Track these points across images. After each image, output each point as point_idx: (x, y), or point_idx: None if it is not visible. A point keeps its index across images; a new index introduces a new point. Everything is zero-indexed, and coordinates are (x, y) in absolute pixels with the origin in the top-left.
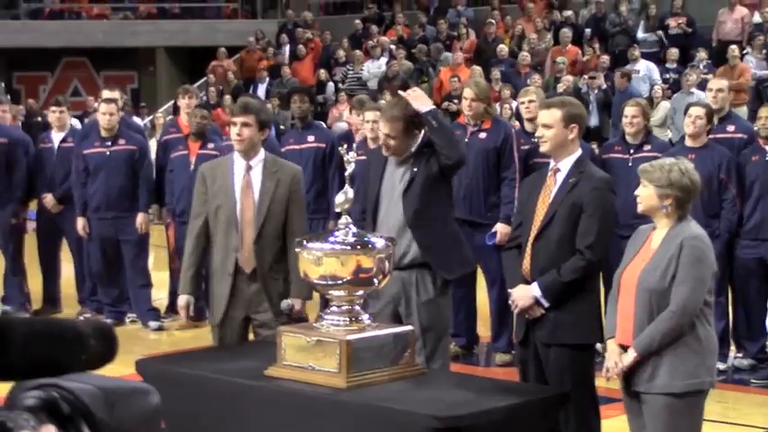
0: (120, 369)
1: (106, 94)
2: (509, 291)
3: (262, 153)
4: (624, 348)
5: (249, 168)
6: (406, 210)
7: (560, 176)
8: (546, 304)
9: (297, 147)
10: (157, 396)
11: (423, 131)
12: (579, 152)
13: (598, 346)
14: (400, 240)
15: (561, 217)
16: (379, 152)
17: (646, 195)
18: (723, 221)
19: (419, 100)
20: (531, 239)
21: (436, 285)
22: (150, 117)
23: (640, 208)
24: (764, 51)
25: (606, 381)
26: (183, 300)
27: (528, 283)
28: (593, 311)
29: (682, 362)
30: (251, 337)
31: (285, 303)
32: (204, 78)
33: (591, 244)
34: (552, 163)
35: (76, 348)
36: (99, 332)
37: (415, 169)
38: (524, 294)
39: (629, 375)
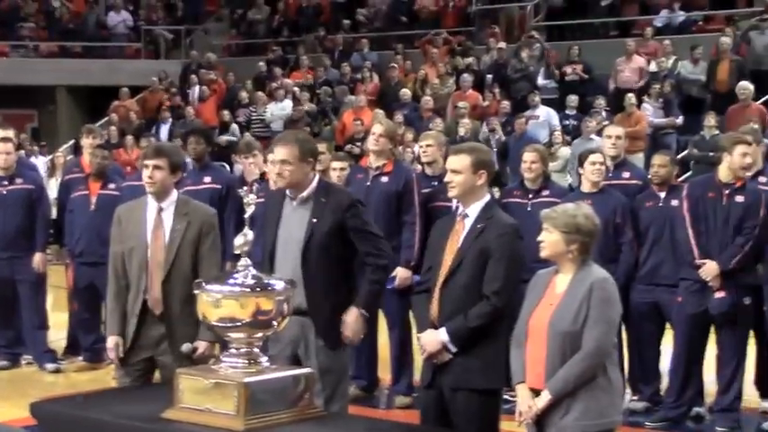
0: (16, 412)
1: (1, 133)
2: (417, 335)
3: (174, 195)
4: (536, 392)
5: (161, 210)
6: (303, 261)
7: (468, 222)
8: (453, 349)
9: (193, 187)
10: None
11: (317, 175)
12: (487, 198)
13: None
14: (298, 286)
15: (468, 262)
16: (276, 194)
17: (551, 241)
18: (621, 265)
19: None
20: (439, 285)
21: (329, 343)
22: (50, 156)
23: (545, 253)
24: (660, 100)
25: (518, 425)
26: (111, 341)
27: (436, 327)
28: (500, 356)
29: (595, 402)
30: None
31: (186, 346)
32: (106, 118)
33: (497, 290)
34: (461, 208)
35: None
36: None
37: (315, 220)
38: (432, 339)
39: (540, 418)
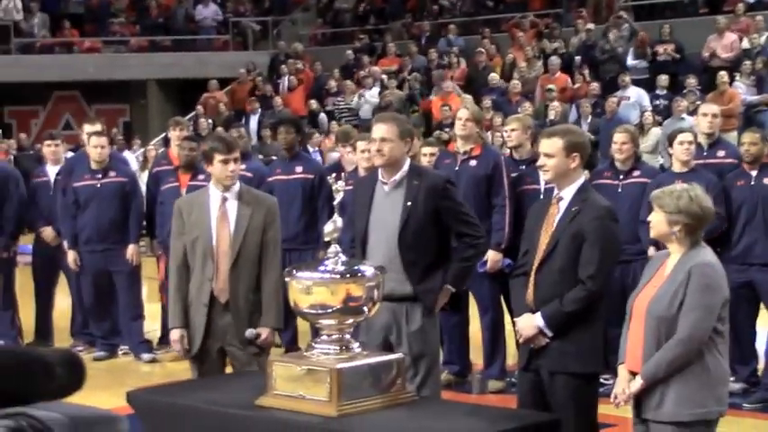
0: (113, 401)
1: (88, 128)
2: (514, 320)
3: (237, 184)
4: (634, 375)
5: (225, 200)
6: (400, 245)
7: (563, 205)
8: (549, 334)
9: (284, 177)
10: (125, 424)
11: (408, 158)
12: (582, 180)
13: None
14: (390, 272)
15: (563, 246)
16: (366, 180)
17: (657, 221)
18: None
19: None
20: (534, 269)
21: (425, 314)
22: (142, 149)
23: (652, 233)
24: (753, 77)
25: (615, 407)
26: (176, 333)
27: (532, 312)
28: (596, 340)
29: (689, 390)
30: (228, 369)
31: (249, 332)
32: (195, 111)
33: (592, 274)
34: (556, 191)
35: (44, 377)
36: (66, 361)
37: (409, 204)
38: (528, 324)
39: (638, 402)
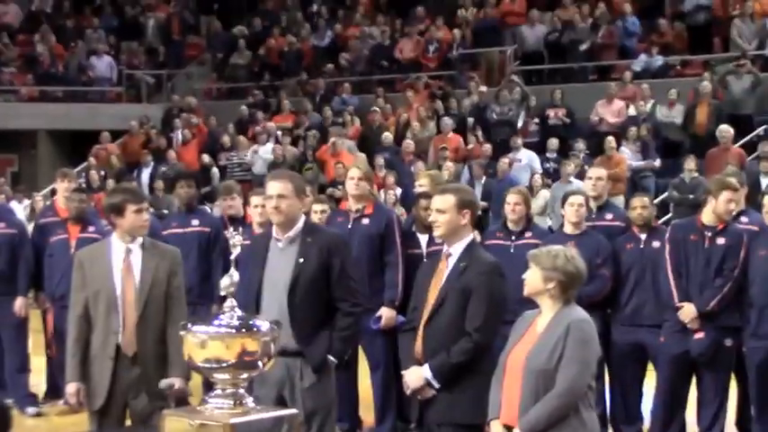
0: None
1: None
2: (402, 372)
3: (140, 236)
4: (509, 429)
5: (129, 251)
6: (290, 302)
7: (452, 261)
8: (436, 385)
9: (180, 230)
10: None
11: (302, 215)
12: (470, 237)
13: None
14: (284, 328)
15: (451, 301)
16: (260, 237)
17: (532, 278)
18: (593, 289)
19: None
20: (422, 323)
21: (318, 371)
22: (29, 201)
23: (526, 290)
24: (638, 143)
25: None
26: (72, 387)
27: (420, 365)
28: (483, 392)
29: None
30: (128, 423)
31: (164, 382)
32: (86, 162)
33: (479, 326)
34: (445, 247)
35: None
36: None
37: (301, 260)
38: (416, 376)
39: None
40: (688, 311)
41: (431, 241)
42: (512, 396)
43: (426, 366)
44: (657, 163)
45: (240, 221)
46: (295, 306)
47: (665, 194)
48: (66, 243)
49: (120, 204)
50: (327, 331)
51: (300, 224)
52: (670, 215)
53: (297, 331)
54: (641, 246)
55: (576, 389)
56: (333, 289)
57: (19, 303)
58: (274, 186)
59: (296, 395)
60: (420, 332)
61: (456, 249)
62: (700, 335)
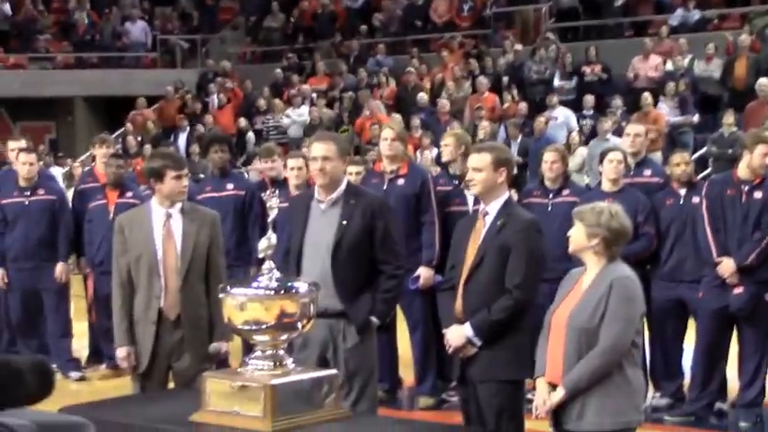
0: None
1: (12, 144)
2: (443, 331)
3: (180, 201)
4: (553, 387)
5: (169, 216)
6: (333, 263)
7: (489, 219)
8: (478, 343)
9: (215, 194)
10: (93, 429)
11: (346, 179)
12: (507, 195)
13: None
14: (326, 289)
15: (490, 259)
16: (301, 198)
17: (576, 235)
18: (635, 248)
19: None
20: (462, 281)
21: (360, 331)
22: (68, 168)
23: (571, 247)
24: (676, 99)
25: (535, 419)
26: (123, 351)
27: (461, 323)
28: (523, 348)
29: (610, 400)
30: (171, 386)
31: (213, 347)
32: (123, 128)
33: (519, 283)
34: (482, 206)
35: (14, 385)
36: (36, 368)
37: (344, 222)
38: (457, 334)
39: (558, 413)
40: (727, 266)
41: (477, 199)
42: (556, 354)
43: (467, 324)
44: (696, 118)
45: (281, 183)
46: (338, 267)
47: (704, 150)
48: (105, 208)
49: (159, 170)
50: (370, 293)
51: (343, 186)
52: (709, 170)
53: (340, 292)
54: (681, 201)
55: (618, 346)
56: (376, 251)
57: (59, 269)
58: (319, 148)
59: (338, 356)
60: (460, 291)
61: (493, 207)
62: (739, 289)
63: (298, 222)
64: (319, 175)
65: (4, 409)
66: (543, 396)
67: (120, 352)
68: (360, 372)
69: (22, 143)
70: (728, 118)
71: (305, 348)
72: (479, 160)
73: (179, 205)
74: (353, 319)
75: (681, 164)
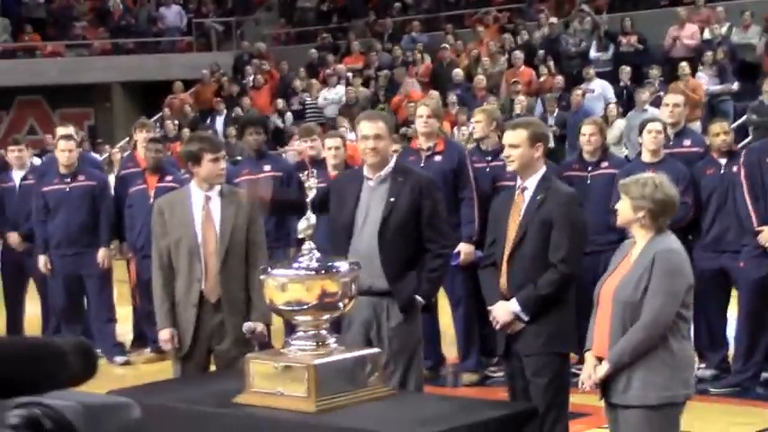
0: None
1: (61, 131)
2: (489, 308)
3: (218, 184)
4: (600, 361)
5: (208, 199)
6: (380, 240)
7: (528, 194)
8: (525, 318)
9: (253, 176)
10: (138, 410)
11: (394, 156)
12: (544, 169)
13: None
14: (371, 267)
15: (533, 234)
16: (351, 175)
17: (623, 208)
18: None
19: None
20: (505, 257)
21: (406, 310)
22: (107, 153)
23: (618, 220)
24: (715, 67)
25: (581, 392)
26: (166, 333)
27: (506, 299)
28: (569, 321)
29: (655, 374)
30: (212, 368)
31: (247, 326)
32: (161, 113)
33: (564, 257)
34: (519, 181)
35: (57, 366)
36: (79, 349)
37: (392, 200)
38: (504, 310)
39: (605, 386)
40: (766, 235)
41: None
42: (602, 328)
43: (514, 300)
44: (735, 86)
45: (320, 163)
46: (385, 244)
47: (744, 118)
48: (145, 193)
49: (197, 153)
50: (415, 271)
51: (392, 164)
52: (749, 139)
53: (386, 270)
54: (722, 171)
55: (660, 320)
56: (423, 230)
57: (101, 254)
58: (369, 127)
59: (383, 335)
60: (503, 267)
61: (531, 182)
62: None
63: (347, 200)
64: (371, 153)
65: (48, 391)
66: (589, 370)
67: (163, 334)
68: (404, 350)
69: (68, 130)
70: None
71: (349, 329)
72: (515, 136)
73: (217, 188)
74: (399, 297)
75: (720, 133)
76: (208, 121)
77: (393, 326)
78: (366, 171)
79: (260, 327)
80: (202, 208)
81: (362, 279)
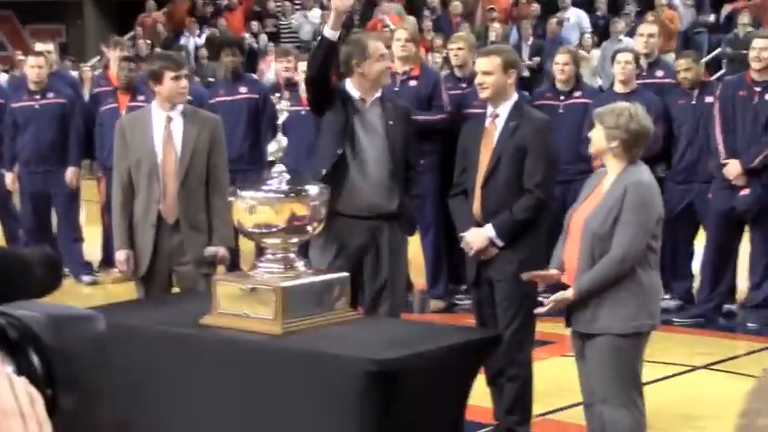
0: None
1: (39, 46)
2: (461, 234)
3: (181, 104)
4: (567, 288)
5: (170, 120)
6: (392, 163)
7: (500, 121)
8: (500, 244)
9: (228, 98)
10: (104, 322)
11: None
12: (516, 96)
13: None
14: (381, 188)
15: (507, 160)
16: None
17: (596, 137)
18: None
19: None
20: (478, 184)
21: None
22: (78, 71)
23: (591, 148)
24: None
25: (539, 317)
26: (122, 254)
27: (479, 226)
28: (540, 248)
29: (622, 305)
30: (174, 290)
31: (209, 250)
32: (133, 31)
33: (539, 182)
34: (490, 109)
35: (22, 276)
36: (45, 261)
37: (391, 123)
38: (479, 237)
39: (571, 315)
40: (733, 168)
41: None
42: (571, 256)
43: (489, 226)
44: (711, 18)
45: (295, 86)
46: (396, 166)
47: (718, 50)
48: (117, 112)
49: (158, 71)
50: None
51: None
52: (723, 72)
53: (394, 192)
54: (693, 101)
55: (631, 253)
56: (409, 156)
57: (69, 174)
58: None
59: (382, 259)
60: (477, 194)
61: (503, 110)
62: (745, 191)
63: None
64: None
65: (12, 301)
66: (557, 296)
67: (120, 255)
68: (399, 275)
69: (49, 47)
70: (743, 18)
71: (340, 253)
72: (489, 63)
73: (180, 108)
74: (408, 219)
75: (681, 70)
76: (181, 42)
77: (393, 249)
78: (360, 94)
79: (222, 251)
80: (164, 128)
81: (363, 199)
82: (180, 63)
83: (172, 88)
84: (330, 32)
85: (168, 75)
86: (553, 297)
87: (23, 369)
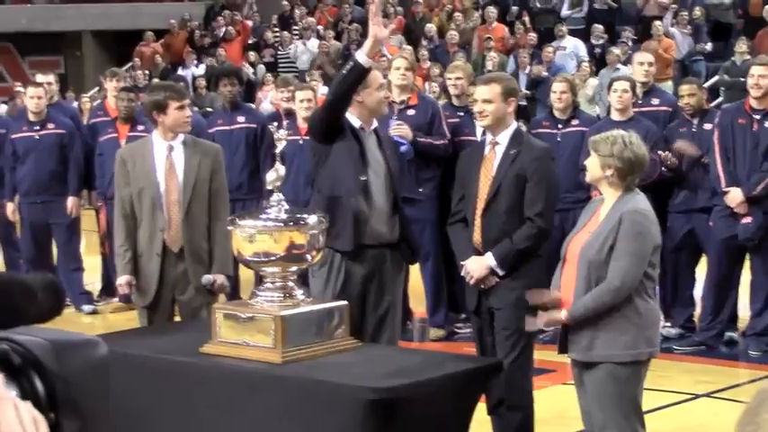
0: None
1: (40, 78)
2: (461, 263)
3: (182, 134)
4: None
5: (171, 149)
6: (392, 189)
7: (500, 149)
8: (501, 273)
9: (227, 128)
10: (105, 347)
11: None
12: (515, 125)
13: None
14: (382, 216)
15: (507, 188)
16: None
17: (591, 165)
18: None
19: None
20: (478, 212)
21: (402, 263)
22: (77, 102)
23: (587, 177)
24: (689, 27)
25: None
26: (123, 279)
27: (479, 254)
28: (541, 276)
29: (620, 333)
30: (177, 319)
31: (206, 278)
32: (131, 62)
33: (540, 211)
34: (490, 136)
35: (24, 302)
36: (47, 286)
37: (387, 152)
38: (479, 265)
39: (567, 343)
40: (734, 196)
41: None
42: (568, 284)
43: (489, 254)
44: (709, 46)
45: (292, 115)
46: (396, 195)
47: (716, 78)
48: (116, 142)
49: (162, 101)
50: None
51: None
52: (720, 99)
53: (394, 221)
54: (694, 129)
55: (627, 283)
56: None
57: (70, 203)
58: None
59: (385, 287)
60: (477, 222)
61: (503, 138)
62: (747, 219)
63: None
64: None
65: (14, 326)
66: (545, 316)
67: (121, 279)
68: (398, 301)
69: (49, 78)
70: (741, 46)
71: (347, 284)
72: (489, 91)
73: (181, 138)
74: (413, 246)
75: (685, 95)
76: (179, 71)
77: (394, 277)
78: (362, 123)
79: (220, 278)
80: (166, 158)
81: (370, 230)
82: (183, 93)
83: (176, 118)
84: (364, 59)
85: (173, 105)
86: (546, 314)
87: (27, 394)
